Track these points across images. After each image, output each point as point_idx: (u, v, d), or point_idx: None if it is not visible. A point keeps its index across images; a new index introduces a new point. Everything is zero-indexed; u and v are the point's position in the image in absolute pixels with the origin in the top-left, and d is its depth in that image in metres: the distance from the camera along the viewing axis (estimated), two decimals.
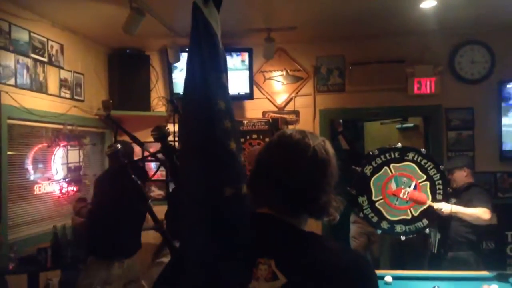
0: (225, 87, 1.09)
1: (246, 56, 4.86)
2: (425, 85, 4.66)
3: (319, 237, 1.07)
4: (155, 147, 2.41)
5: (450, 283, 2.94)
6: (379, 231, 3.59)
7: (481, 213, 3.44)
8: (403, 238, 3.55)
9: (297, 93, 5.01)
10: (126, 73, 4.87)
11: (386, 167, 3.62)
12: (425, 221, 3.57)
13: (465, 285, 2.92)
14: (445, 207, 3.46)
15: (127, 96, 4.82)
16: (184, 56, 4.68)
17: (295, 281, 0.96)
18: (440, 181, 3.56)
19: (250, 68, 4.88)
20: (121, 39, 4.45)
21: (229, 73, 1.20)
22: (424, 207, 3.53)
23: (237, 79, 4.82)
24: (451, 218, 3.59)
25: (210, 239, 1.01)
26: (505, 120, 4.58)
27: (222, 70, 1.10)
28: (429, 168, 3.58)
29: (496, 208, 3.62)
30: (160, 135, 2.16)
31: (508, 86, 4.56)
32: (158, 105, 5.17)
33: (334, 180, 1.07)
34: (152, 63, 5.13)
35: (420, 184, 3.58)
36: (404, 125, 5.68)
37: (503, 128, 4.59)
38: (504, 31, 4.59)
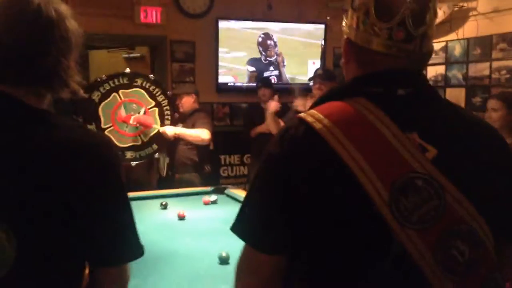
0: None
1: None
2: (151, 15, 4.68)
3: (49, 113, 0.95)
4: None
5: (177, 199, 3.18)
6: None
7: (201, 133, 3.72)
8: (134, 164, 3.61)
9: None
10: None
11: (115, 93, 3.55)
12: (154, 146, 3.71)
13: (189, 199, 3.21)
14: (169, 130, 3.64)
15: None
16: None
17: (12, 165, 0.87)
18: (168, 107, 3.73)
19: None
20: None
21: None
22: (153, 132, 3.65)
23: None
24: (178, 142, 3.82)
25: None
26: (221, 55, 5.05)
27: None
28: (157, 94, 3.69)
29: (213, 135, 4.00)
30: None
31: (224, 23, 5.01)
32: None
33: (68, 46, 0.94)
34: None
35: (149, 110, 3.66)
36: (131, 55, 5.64)
37: (220, 63, 5.06)
38: None
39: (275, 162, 0.88)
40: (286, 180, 0.85)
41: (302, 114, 0.90)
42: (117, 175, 0.96)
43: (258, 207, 0.90)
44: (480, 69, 4.28)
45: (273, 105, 3.79)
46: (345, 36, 0.96)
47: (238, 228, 0.93)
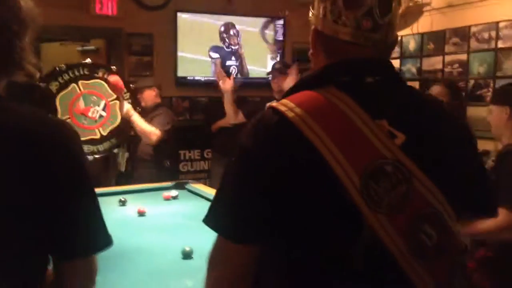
0: None
1: None
2: (107, 6, 4.54)
3: (5, 99, 0.89)
4: None
5: (136, 195, 3.11)
6: None
7: (151, 132, 3.57)
8: (91, 158, 3.50)
9: None
10: None
11: (74, 84, 3.43)
12: (113, 141, 3.61)
13: (149, 195, 3.15)
14: (128, 108, 3.53)
15: None
16: None
17: None
18: (129, 100, 3.63)
19: None
20: None
21: None
22: (114, 125, 3.56)
23: None
24: (139, 137, 3.72)
25: None
26: (180, 48, 4.97)
27: None
28: None
29: (172, 130, 3.92)
30: None
31: (182, 16, 4.93)
32: None
33: (22, 26, 0.89)
34: None
35: (110, 102, 3.56)
36: (86, 48, 5.45)
37: (178, 54, 4.98)
38: None
39: (249, 153, 0.88)
40: (260, 170, 0.85)
41: (274, 104, 0.90)
42: (80, 163, 0.93)
43: (231, 198, 0.89)
44: (433, 63, 4.41)
45: (228, 83, 3.52)
46: (312, 26, 0.96)
47: (210, 220, 0.91)
